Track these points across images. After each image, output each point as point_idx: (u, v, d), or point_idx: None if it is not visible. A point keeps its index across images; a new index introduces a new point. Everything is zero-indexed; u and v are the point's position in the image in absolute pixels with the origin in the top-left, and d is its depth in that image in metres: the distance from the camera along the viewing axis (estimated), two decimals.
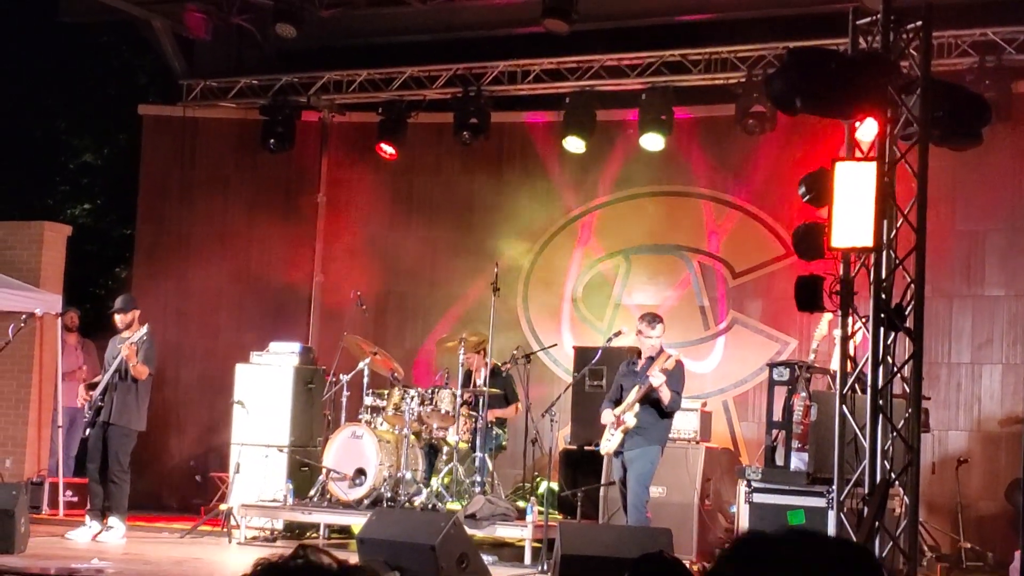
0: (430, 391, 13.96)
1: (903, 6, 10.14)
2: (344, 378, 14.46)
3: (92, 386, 13.59)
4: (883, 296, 9.66)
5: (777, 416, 11.98)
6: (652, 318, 12.32)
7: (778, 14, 15.58)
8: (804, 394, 11.73)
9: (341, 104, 18.19)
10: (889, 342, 9.77)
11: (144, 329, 13.34)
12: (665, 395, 11.81)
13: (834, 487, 10.01)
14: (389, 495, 13.43)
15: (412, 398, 13.83)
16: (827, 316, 12.12)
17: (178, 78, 18.54)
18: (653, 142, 16.12)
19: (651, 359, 12.04)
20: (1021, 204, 15.21)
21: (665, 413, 12.06)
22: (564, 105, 16.55)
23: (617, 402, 12.18)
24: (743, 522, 11.68)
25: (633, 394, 11.93)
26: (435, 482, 13.64)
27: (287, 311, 18.08)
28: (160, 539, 14.03)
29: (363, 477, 13.61)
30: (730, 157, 16.60)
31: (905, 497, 9.84)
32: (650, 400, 11.91)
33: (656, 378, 11.74)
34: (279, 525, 14.28)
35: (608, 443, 12.09)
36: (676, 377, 12.00)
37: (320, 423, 15.21)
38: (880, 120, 9.66)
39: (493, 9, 16.95)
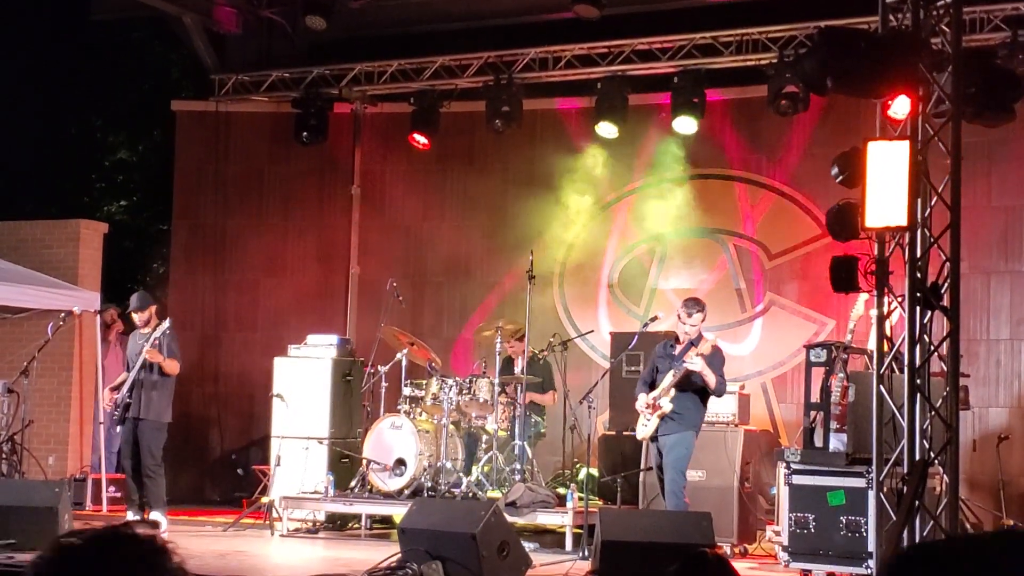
0: (468, 380, 13.97)
1: None
2: (382, 369, 14.49)
3: (116, 388, 13.66)
4: (919, 275, 9.61)
5: (815, 397, 11.94)
6: (692, 304, 12.25)
7: None
8: (841, 375, 11.69)
9: (373, 95, 18.20)
10: (926, 321, 9.73)
11: (166, 324, 13.40)
12: (710, 378, 11.78)
13: (873, 467, 9.97)
14: (429, 485, 13.46)
15: (450, 388, 13.85)
16: (863, 296, 12.06)
17: (210, 73, 18.59)
18: (686, 125, 16.09)
19: (691, 343, 12.01)
20: None
21: (702, 398, 12.04)
22: (596, 90, 16.53)
23: (652, 384, 12.17)
24: (783, 504, 11.66)
25: (669, 379, 11.89)
26: (475, 471, 13.66)
27: (324, 303, 18.14)
28: (203, 532, 14.10)
29: (403, 467, 13.65)
30: (763, 138, 16.55)
31: (945, 476, 9.79)
32: (687, 385, 11.88)
33: (694, 363, 11.70)
34: (321, 517, 14.33)
35: (644, 428, 12.08)
36: (716, 361, 11.97)
37: (359, 414, 15.26)
38: (912, 98, 9.60)
39: None
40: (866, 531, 10.93)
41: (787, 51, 15.44)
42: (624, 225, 17.18)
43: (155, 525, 3.20)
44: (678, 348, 12.14)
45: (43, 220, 17.96)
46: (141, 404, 13.36)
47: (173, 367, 13.43)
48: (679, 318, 12.23)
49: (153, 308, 13.80)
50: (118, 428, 13.78)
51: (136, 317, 13.75)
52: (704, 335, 12.13)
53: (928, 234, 9.75)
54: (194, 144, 18.87)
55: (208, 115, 18.60)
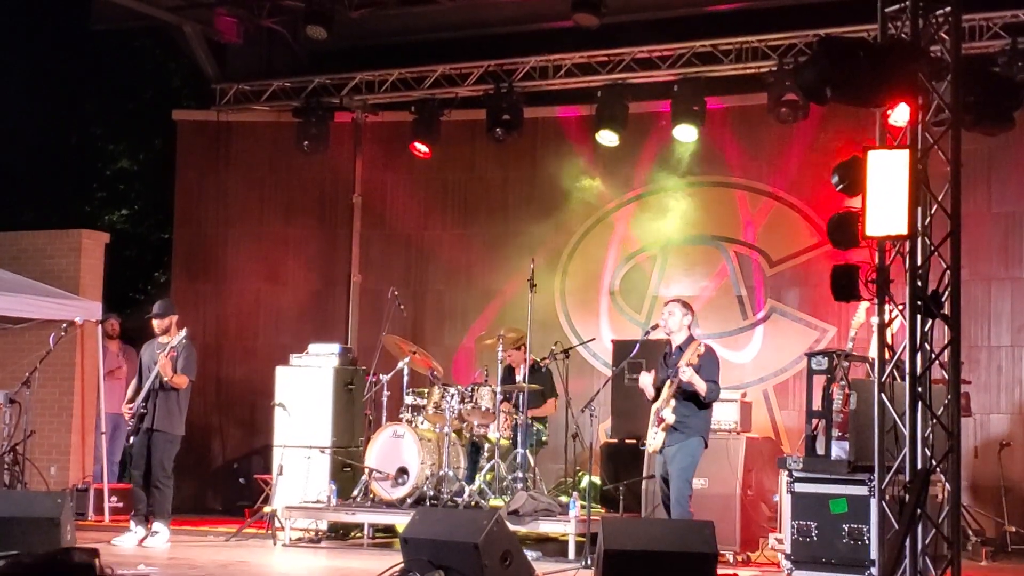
0: (470, 389, 13.98)
1: None
2: (384, 378, 14.49)
3: (132, 400, 13.63)
4: (919, 283, 9.61)
5: (816, 405, 11.93)
6: (668, 304, 12.22)
7: (807, 1, 15.51)
8: (843, 382, 11.69)
9: (374, 104, 18.23)
10: (927, 329, 9.72)
11: (182, 334, 13.39)
12: (700, 386, 11.63)
13: (875, 475, 9.97)
14: (432, 494, 13.47)
15: (452, 396, 13.85)
16: (864, 304, 12.08)
17: (211, 82, 18.62)
18: (686, 133, 16.13)
19: (680, 349, 11.93)
20: None
21: (703, 404, 11.94)
22: (596, 99, 16.57)
23: (657, 393, 12.09)
24: (786, 512, 11.66)
25: (666, 389, 11.83)
26: (477, 479, 13.67)
27: (325, 312, 18.16)
28: (205, 542, 14.10)
29: (405, 476, 13.65)
30: (764, 146, 16.58)
31: (947, 483, 9.80)
32: (685, 393, 11.80)
33: (684, 372, 11.62)
34: (323, 526, 14.33)
35: (653, 442, 11.96)
36: (709, 366, 11.85)
37: (361, 423, 15.27)
38: (912, 106, 9.60)
39: (523, 5, 16.93)
40: (868, 539, 10.95)
41: (787, 59, 15.47)
42: (625, 233, 17.20)
43: (94, 553, 3.25)
44: (671, 356, 12.05)
45: (44, 230, 17.97)
46: (156, 415, 13.36)
47: (180, 382, 13.41)
48: (664, 324, 12.14)
49: (174, 318, 13.76)
50: (131, 438, 13.74)
51: (155, 324, 13.72)
52: (696, 338, 12.04)
53: (928, 242, 9.75)
54: (195, 153, 18.89)
55: (209, 124, 18.63)
